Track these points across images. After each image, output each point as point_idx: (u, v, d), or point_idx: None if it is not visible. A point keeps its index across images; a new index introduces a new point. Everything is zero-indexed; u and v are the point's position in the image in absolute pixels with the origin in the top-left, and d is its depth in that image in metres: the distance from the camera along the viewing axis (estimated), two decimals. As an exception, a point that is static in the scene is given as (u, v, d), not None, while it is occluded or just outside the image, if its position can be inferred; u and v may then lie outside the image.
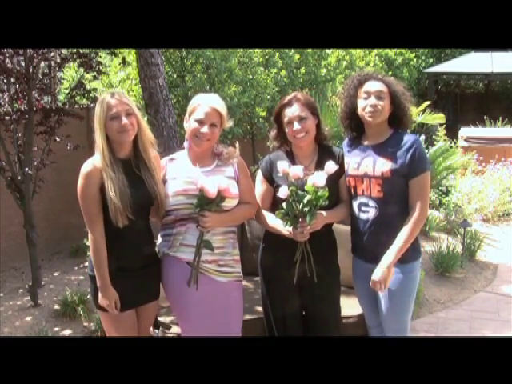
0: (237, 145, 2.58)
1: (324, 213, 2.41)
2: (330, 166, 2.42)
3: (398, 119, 2.54)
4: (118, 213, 2.26)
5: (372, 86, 2.49)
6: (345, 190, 2.60)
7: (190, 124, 2.43)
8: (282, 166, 2.42)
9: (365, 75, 2.55)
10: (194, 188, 2.32)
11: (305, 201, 2.32)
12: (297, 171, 2.37)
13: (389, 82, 2.52)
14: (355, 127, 2.64)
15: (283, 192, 2.35)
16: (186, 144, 2.53)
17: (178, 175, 2.44)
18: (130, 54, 6.18)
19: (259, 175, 2.63)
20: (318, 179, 2.34)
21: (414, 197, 2.47)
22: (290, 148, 2.62)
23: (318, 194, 2.32)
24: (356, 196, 2.57)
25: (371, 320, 2.74)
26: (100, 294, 2.34)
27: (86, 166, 2.32)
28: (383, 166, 2.48)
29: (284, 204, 2.36)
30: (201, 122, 2.39)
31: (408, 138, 2.49)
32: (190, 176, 2.38)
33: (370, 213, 2.52)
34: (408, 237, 2.45)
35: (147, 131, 2.43)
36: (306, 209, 2.33)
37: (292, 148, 2.61)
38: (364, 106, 2.49)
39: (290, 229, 2.38)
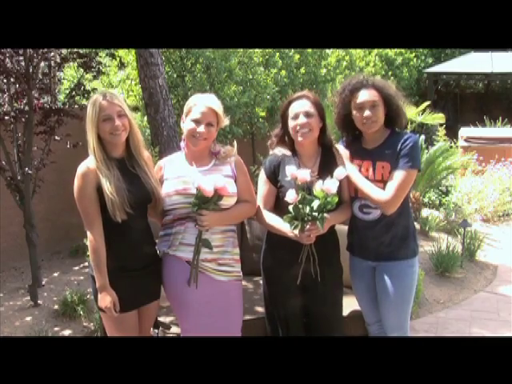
0: (234, 143, 2.58)
1: (328, 215, 2.40)
2: (340, 172, 2.42)
3: (393, 120, 2.56)
4: (116, 207, 2.26)
5: (364, 96, 2.49)
6: (346, 190, 2.61)
7: (186, 124, 2.44)
8: (291, 170, 2.40)
9: (355, 84, 2.54)
10: (192, 187, 2.32)
11: (314, 206, 2.32)
12: (304, 175, 2.36)
13: (380, 87, 2.52)
14: (351, 130, 2.65)
15: (291, 196, 2.34)
16: (182, 144, 2.54)
17: (176, 175, 2.45)
18: (130, 54, 6.19)
19: (262, 175, 2.63)
20: (330, 186, 2.33)
21: (390, 186, 2.46)
22: (292, 149, 2.60)
23: (328, 199, 2.32)
24: (357, 198, 2.58)
25: (371, 317, 2.77)
26: (99, 296, 2.34)
27: (82, 167, 2.32)
28: (382, 169, 2.50)
29: (291, 208, 2.35)
30: (197, 122, 2.40)
31: (404, 137, 2.51)
32: (188, 175, 2.40)
33: (373, 214, 2.55)
34: (365, 186, 2.49)
35: (138, 132, 2.45)
36: (315, 214, 2.32)
37: (295, 147, 2.60)
38: (359, 118, 2.50)
39: (296, 231, 2.38)
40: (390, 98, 2.51)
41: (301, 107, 2.50)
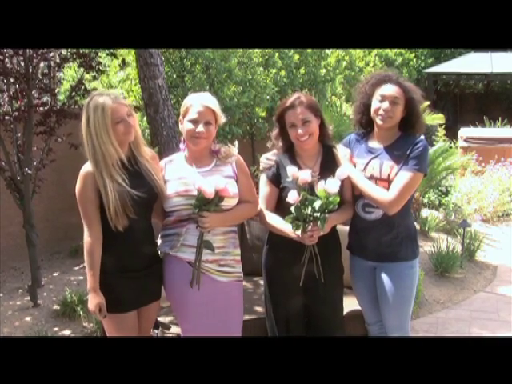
0: (236, 143, 2.58)
1: (330, 216, 2.39)
2: (342, 172, 2.41)
3: (409, 124, 2.55)
4: (118, 215, 2.26)
5: (389, 89, 2.49)
6: (349, 190, 2.60)
7: (184, 125, 2.43)
8: (292, 170, 2.40)
9: (384, 76, 2.55)
10: (193, 189, 2.32)
11: (316, 206, 2.31)
12: (305, 176, 2.35)
13: (406, 88, 2.51)
14: (366, 124, 2.65)
15: (293, 197, 2.34)
16: (181, 146, 2.53)
17: (176, 176, 2.44)
18: (130, 55, 6.19)
19: (263, 177, 2.63)
20: (332, 186, 2.32)
21: (395, 186, 2.45)
22: (292, 149, 2.60)
23: (330, 199, 2.31)
24: (360, 197, 2.57)
25: (371, 317, 2.77)
26: (89, 297, 2.33)
27: (84, 169, 2.32)
28: (389, 168, 2.49)
29: (293, 208, 2.35)
30: (195, 122, 2.39)
31: (416, 140, 2.50)
32: (188, 177, 2.39)
33: (375, 214, 2.54)
34: (366, 186, 2.48)
35: (138, 130, 2.44)
36: (317, 214, 2.31)
37: (295, 148, 2.60)
38: (377, 108, 2.49)
39: (299, 232, 2.37)
40: (413, 102, 2.50)
41: (296, 116, 2.48)
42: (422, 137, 2.57)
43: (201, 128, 2.38)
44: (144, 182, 2.37)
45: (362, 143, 2.64)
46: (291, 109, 2.50)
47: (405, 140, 2.52)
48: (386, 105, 2.47)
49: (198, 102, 2.41)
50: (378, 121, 2.51)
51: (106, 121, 2.27)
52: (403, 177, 2.45)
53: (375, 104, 2.51)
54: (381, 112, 2.48)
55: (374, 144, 2.60)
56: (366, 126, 2.66)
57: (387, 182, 2.49)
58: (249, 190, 2.52)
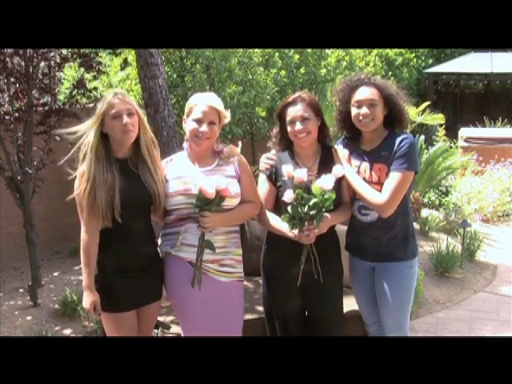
0: (239, 144, 2.58)
1: (328, 215, 2.40)
2: (338, 170, 2.41)
3: (394, 120, 2.54)
4: (103, 215, 2.26)
5: (363, 93, 2.47)
6: (346, 191, 2.60)
7: (188, 125, 2.43)
8: (287, 169, 2.40)
9: (355, 81, 2.53)
10: (194, 188, 2.32)
11: (311, 204, 2.31)
12: (300, 174, 2.35)
13: (381, 86, 2.50)
14: (350, 129, 2.64)
15: (288, 196, 2.34)
16: (185, 145, 2.53)
17: (178, 175, 2.44)
18: (130, 54, 6.20)
19: (262, 175, 2.63)
20: (326, 182, 2.32)
21: (386, 188, 2.44)
22: (291, 148, 2.60)
23: (325, 196, 2.31)
24: (356, 199, 2.57)
25: (370, 317, 2.77)
26: (84, 295, 2.34)
27: (82, 167, 2.32)
28: (379, 171, 2.49)
29: (289, 207, 2.35)
30: (199, 121, 2.39)
31: (400, 138, 2.47)
32: (188, 175, 2.39)
33: (371, 216, 2.54)
34: (361, 187, 2.47)
35: (149, 132, 2.44)
36: (313, 212, 2.31)
37: (294, 147, 2.60)
38: (357, 114, 2.48)
39: (296, 232, 2.37)
40: (391, 98, 2.49)
41: (296, 112, 2.49)
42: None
43: (204, 128, 2.38)
44: (141, 185, 2.36)
45: (355, 146, 2.63)
46: (292, 105, 2.51)
47: (391, 139, 2.50)
48: (364, 110, 2.46)
49: (202, 102, 2.41)
50: (361, 127, 2.51)
51: (100, 111, 2.31)
52: (392, 178, 2.43)
53: (354, 111, 2.50)
54: (361, 118, 2.47)
55: (363, 147, 2.59)
56: (350, 131, 2.65)
57: (379, 184, 2.48)
58: (251, 189, 2.52)
